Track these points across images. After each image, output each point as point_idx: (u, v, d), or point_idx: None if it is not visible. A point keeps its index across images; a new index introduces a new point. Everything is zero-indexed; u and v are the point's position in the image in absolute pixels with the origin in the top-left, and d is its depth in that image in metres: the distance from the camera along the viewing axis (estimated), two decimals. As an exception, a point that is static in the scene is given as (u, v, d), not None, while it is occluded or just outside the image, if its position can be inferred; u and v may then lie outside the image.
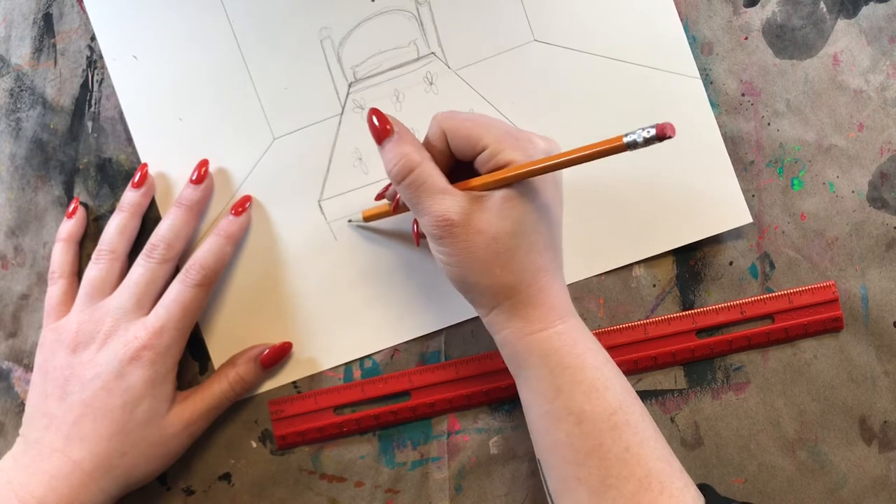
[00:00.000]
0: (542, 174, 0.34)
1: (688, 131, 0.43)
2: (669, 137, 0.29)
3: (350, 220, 0.44)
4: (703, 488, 0.36)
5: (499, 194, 0.34)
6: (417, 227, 0.41)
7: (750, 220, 0.43)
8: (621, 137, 0.30)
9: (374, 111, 0.36)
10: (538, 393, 0.35)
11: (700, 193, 0.43)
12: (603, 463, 0.34)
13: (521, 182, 0.35)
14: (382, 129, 0.36)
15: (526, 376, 0.36)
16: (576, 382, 0.34)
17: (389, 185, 0.42)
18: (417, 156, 0.35)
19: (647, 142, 0.29)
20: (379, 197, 0.43)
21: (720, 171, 0.43)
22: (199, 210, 0.44)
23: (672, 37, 0.43)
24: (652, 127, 0.29)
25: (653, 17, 0.43)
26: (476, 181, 0.35)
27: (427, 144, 0.37)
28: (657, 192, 0.43)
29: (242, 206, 0.44)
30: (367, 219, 0.43)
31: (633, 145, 0.30)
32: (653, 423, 0.36)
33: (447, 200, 0.35)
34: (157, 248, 0.42)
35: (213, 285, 0.43)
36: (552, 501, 0.36)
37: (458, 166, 0.37)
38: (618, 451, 0.34)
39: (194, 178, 0.43)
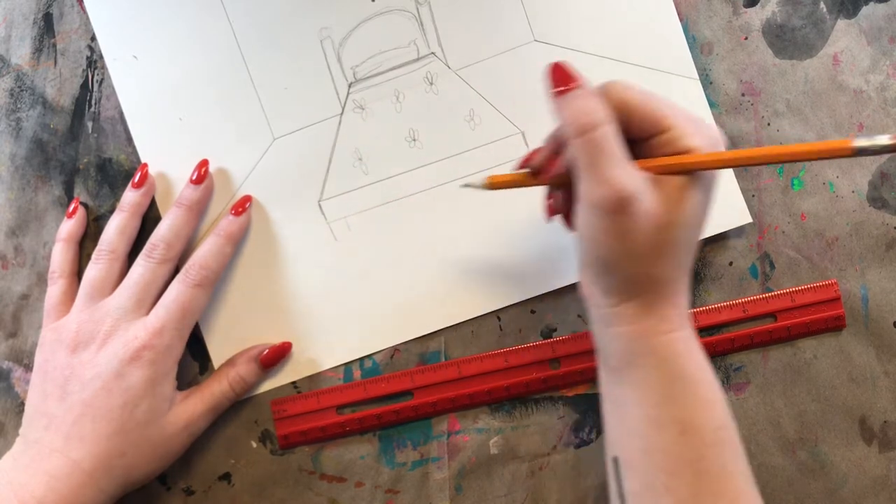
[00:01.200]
0: (739, 167, 0.32)
1: (688, 131, 0.43)
2: None
3: (466, 185, 0.39)
4: None
5: (677, 182, 0.32)
6: (552, 200, 0.39)
7: (750, 220, 0.43)
8: (849, 142, 0.28)
9: (559, 62, 0.33)
10: (644, 395, 0.34)
11: (700, 193, 0.43)
12: (698, 477, 0.32)
13: (699, 174, 0.32)
14: (568, 76, 0.32)
15: (634, 375, 0.34)
16: (689, 393, 0.33)
17: (535, 151, 0.37)
18: (605, 113, 0.31)
19: (884, 150, 0.27)
20: (524, 163, 0.37)
21: (720, 172, 0.43)
22: (199, 210, 0.44)
23: (671, 37, 0.43)
24: (889, 136, 0.27)
25: (652, 18, 0.43)
26: (660, 162, 0.32)
27: None
28: (657, 191, 0.43)
29: (242, 206, 0.44)
30: (494, 185, 0.37)
31: (863, 152, 0.28)
32: (742, 446, 0.35)
33: (630, 172, 0.31)
34: (157, 248, 0.42)
35: (213, 285, 0.42)
36: (624, 502, 0.35)
37: None
38: (716, 469, 0.33)
39: (194, 178, 0.43)
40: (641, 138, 0.33)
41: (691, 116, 0.33)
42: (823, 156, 0.30)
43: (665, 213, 0.32)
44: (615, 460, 0.35)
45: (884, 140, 0.27)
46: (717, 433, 0.33)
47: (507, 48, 0.43)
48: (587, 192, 0.32)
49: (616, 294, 0.34)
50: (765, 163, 0.32)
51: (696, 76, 0.43)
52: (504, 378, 0.43)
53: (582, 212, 0.33)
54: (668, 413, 0.33)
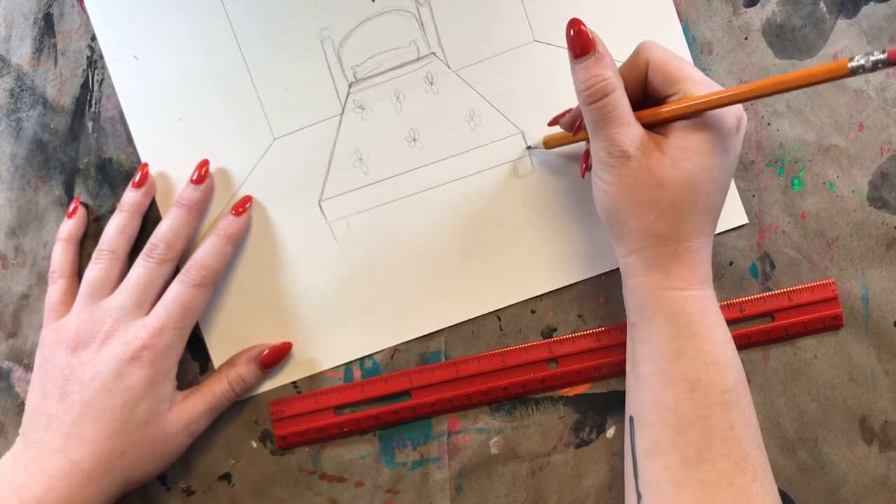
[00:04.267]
0: (741, 102, 0.33)
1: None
2: None
3: (529, 147, 0.43)
4: None
5: (680, 144, 0.34)
6: (588, 158, 0.40)
7: (745, 220, 0.43)
8: (845, 62, 0.28)
9: (578, 21, 0.35)
10: (656, 350, 0.35)
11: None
12: (704, 435, 0.34)
13: (707, 140, 0.34)
14: (584, 43, 0.34)
15: (648, 329, 0.36)
16: (699, 351, 0.34)
17: (565, 112, 0.41)
18: (615, 81, 0.34)
19: (876, 66, 0.27)
20: (553, 122, 0.42)
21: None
22: (199, 210, 0.44)
23: (671, 37, 0.43)
24: (882, 51, 0.26)
25: (652, 18, 0.43)
26: (664, 109, 0.35)
27: (624, 71, 0.36)
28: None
29: (243, 206, 0.44)
30: (549, 145, 0.42)
31: (858, 70, 0.27)
32: (755, 415, 0.36)
33: (630, 132, 0.34)
34: (158, 248, 0.42)
35: (213, 285, 0.43)
36: (635, 461, 0.36)
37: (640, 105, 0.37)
38: (722, 429, 0.34)
39: (195, 178, 0.43)
40: (661, 97, 0.36)
41: (709, 82, 0.35)
42: (819, 79, 0.29)
43: (665, 171, 0.34)
44: (631, 419, 0.37)
45: (878, 55, 0.27)
46: (725, 395, 0.34)
47: (507, 48, 0.43)
48: (595, 150, 0.36)
49: (624, 245, 0.36)
50: (753, 97, 0.32)
51: (696, 76, 0.43)
52: (501, 378, 0.43)
53: (594, 167, 0.36)
54: (677, 369, 0.35)
